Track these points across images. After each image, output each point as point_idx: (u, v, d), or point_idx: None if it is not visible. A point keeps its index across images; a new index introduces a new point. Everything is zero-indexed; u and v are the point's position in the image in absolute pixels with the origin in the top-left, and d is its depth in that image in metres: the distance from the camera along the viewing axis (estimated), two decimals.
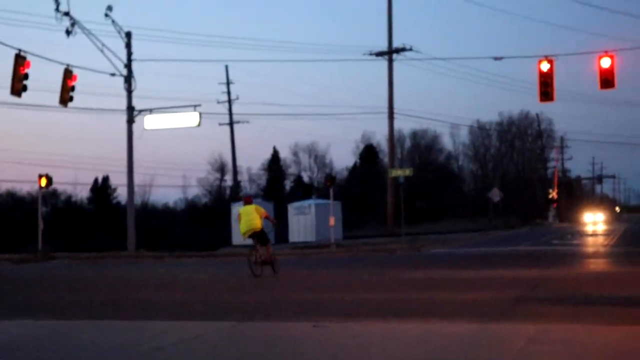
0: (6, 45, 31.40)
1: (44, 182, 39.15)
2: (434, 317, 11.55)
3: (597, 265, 23.39)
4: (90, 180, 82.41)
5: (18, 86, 30.16)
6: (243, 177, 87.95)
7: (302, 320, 11.14)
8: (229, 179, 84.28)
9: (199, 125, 40.31)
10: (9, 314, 13.41)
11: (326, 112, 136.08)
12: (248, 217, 22.20)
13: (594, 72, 29.66)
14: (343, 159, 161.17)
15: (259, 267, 21.67)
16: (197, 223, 72.56)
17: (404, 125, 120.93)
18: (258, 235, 22.08)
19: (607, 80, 29.33)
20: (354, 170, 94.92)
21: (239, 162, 73.27)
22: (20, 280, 24.69)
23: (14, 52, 30.08)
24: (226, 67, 68.33)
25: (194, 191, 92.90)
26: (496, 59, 40.69)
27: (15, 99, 31.14)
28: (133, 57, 41.75)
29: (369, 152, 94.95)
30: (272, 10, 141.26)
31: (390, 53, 56.29)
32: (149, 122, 41.08)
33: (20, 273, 28.13)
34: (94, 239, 60.23)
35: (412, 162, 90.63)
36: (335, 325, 10.51)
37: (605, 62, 29.19)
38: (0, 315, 13.23)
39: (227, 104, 68.60)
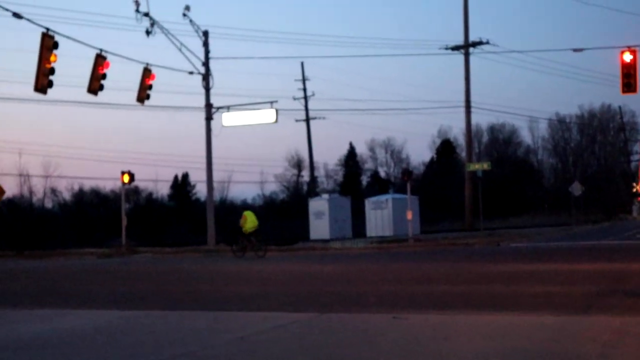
0: (88, 45, 32.20)
1: (126, 178, 40.05)
2: (516, 309, 11.43)
3: None
4: (171, 177, 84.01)
5: (95, 85, 30.87)
6: (320, 173, 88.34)
7: (382, 312, 11.17)
8: (306, 175, 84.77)
9: (275, 121, 40.68)
10: (96, 305, 13.80)
11: (402, 107, 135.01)
12: (252, 218, 32.94)
13: None
14: (419, 154, 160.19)
15: (252, 253, 31.86)
16: (275, 218, 73.17)
17: (482, 119, 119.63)
18: (258, 231, 32.91)
19: None
20: (430, 165, 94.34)
21: (315, 158, 73.68)
22: (106, 273, 25.35)
23: (95, 52, 30.83)
24: (302, 63, 68.74)
25: (271, 187, 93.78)
26: (576, 50, 39.93)
27: (98, 99, 31.91)
28: (210, 55, 42.37)
29: (445, 147, 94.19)
30: (348, 6, 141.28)
31: (466, 47, 55.73)
32: (227, 119, 41.62)
33: (106, 267, 28.87)
34: (174, 235, 61.40)
35: (490, 156, 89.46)
36: (415, 317, 10.50)
37: None
38: (87, 305, 13.63)
39: (303, 101, 68.99)
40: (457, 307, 12.03)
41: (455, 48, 56.02)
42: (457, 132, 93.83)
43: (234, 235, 34.05)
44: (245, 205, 34.65)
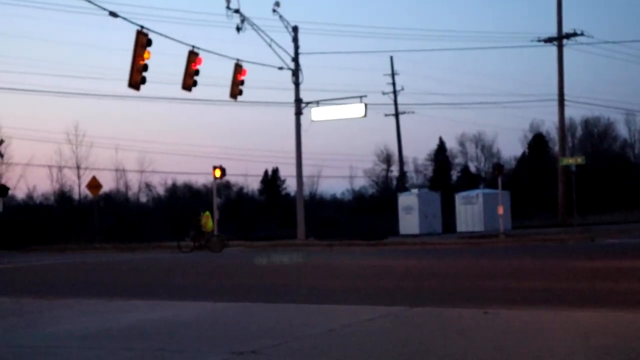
0: (180, 42, 32.85)
1: (218, 173, 40.67)
2: (610, 306, 11.16)
3: None
4: (261, 172, 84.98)
5: (189, 82, 31.47)
6: (409, 168, 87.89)
7: (472, 307, 11.05)
8: (395, 170, 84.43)
9: (364, 116, 40.69)
10: (188, 297, 14.08)
11: (493, 100, 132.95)
12: (211, 218, 37.22)
13: None
14: (511, 148, 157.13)
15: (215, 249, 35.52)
16: (364, 213, 73.18)
17: (575, 113, 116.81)
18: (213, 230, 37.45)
19: None
20: (522, 160, 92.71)
21: (405, 153, 73.26)
22: (199, 266, 25.82)
23: (188, 49, 31.41)
24: (391, 58, 68.43)
25: (360, 182, 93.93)
26: None
27: (190, 95, 32.55)
28: (300, 50, 42.62)
29: (538, 141, 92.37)
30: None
31: (560, 39, 54.45)
32: (316, 114, 41.81)
33: (199, 260, 29.41)
34: (264, 229, 62.09)
35: (584, 151, 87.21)
36: (506, 313, 10.36)
37: None
38: (179, 297, 13.93)
39: (392, 95, 68.71)
40: (549, 303, 11.82)
41: (548, 40, 54.79)
42: (550, 126, 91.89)
43: (189, 232, 36.78)
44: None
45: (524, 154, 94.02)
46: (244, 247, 39.32)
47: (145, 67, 28.23)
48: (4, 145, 49.24)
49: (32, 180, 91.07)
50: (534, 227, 51.85)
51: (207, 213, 37.25)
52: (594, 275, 16.87)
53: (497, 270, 19.79)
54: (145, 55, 28.08)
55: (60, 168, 68.54)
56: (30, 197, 70.54)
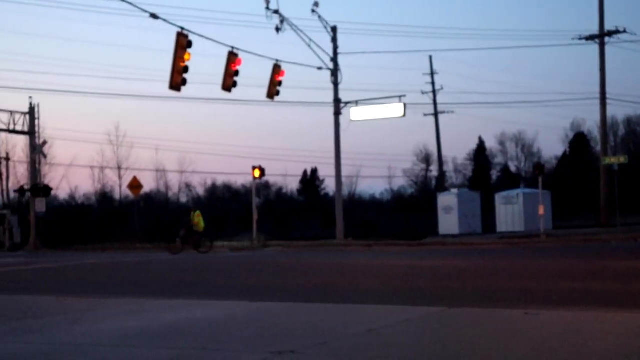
0: (220, 43, 33.08)
1: (257, 173, 40.86)
2: None
3: None
4: (300, 172, 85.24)
5: (229, 82, 31.67)
6: (448, 168, 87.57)
7: (512, 308, 10.96)
8: (434, 170, 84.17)
9: (403, 115, 40.63)
10: (229, 296, 14.16)
11: (533, 99, 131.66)
12: (203, 218, 36.16)
13: None
14: (551, 147, 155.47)
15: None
16: (403, 213, 73.02)
17: (617, 111, 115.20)
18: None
19: None
20: (563, 159, 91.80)
21: (444, 153, 72.98)
22: (239, 266, 25.94)
23: (227, 50, 31.60)
24: (430, 57, 68.21)
25: (399, 182, 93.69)
26: None
27: (229, 96, 32.75)
28: (339, 50, 42.67)
29: (579, 141, 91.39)
30: None
31: (601, 36, 53.77)
32: (355, 114, 41.82)
33: (238, 260, 29.56)
34: (303, 229, 62.23)
35: (627, 150, 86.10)
36: (547, 313, 10.26)
37: None
38: (219, 296, 14.01)
39: (431, 95, 68.44)
40: (591, 304, 11.68)
41: (590, 38, 54.15)
42: (591, 125, 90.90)
43: (180, 232, 35.77)
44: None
45: (565, 153, 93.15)
46: (283, 247, 39.41)
47: (185, 69, 28.47)
48: (46, 146, 49.98)
49: (74, 181, 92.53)
50: (575, 227, 51.30)
51: (198, 212, 36.55)
52: (637, 276, 16.63)
53: (538, 270, 19.61)
54: (186, 57, 28.33)
55: (101, 168, 69.59)
56: (72, 197, 71.71)
